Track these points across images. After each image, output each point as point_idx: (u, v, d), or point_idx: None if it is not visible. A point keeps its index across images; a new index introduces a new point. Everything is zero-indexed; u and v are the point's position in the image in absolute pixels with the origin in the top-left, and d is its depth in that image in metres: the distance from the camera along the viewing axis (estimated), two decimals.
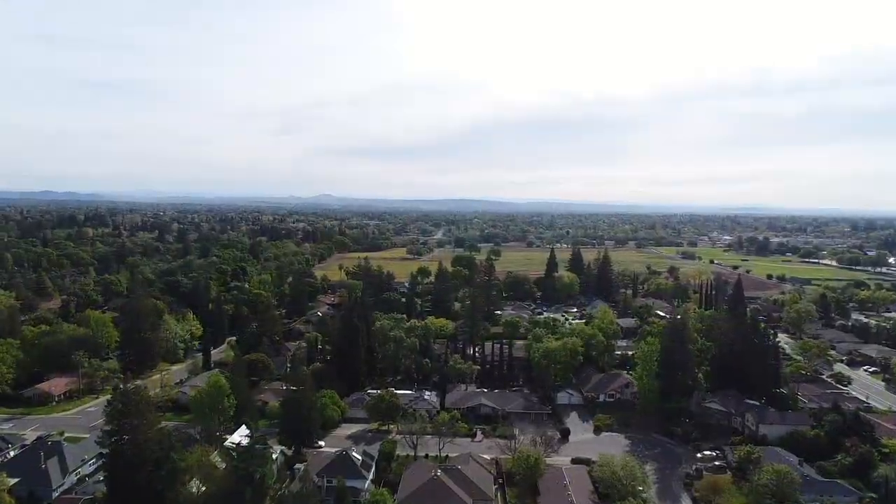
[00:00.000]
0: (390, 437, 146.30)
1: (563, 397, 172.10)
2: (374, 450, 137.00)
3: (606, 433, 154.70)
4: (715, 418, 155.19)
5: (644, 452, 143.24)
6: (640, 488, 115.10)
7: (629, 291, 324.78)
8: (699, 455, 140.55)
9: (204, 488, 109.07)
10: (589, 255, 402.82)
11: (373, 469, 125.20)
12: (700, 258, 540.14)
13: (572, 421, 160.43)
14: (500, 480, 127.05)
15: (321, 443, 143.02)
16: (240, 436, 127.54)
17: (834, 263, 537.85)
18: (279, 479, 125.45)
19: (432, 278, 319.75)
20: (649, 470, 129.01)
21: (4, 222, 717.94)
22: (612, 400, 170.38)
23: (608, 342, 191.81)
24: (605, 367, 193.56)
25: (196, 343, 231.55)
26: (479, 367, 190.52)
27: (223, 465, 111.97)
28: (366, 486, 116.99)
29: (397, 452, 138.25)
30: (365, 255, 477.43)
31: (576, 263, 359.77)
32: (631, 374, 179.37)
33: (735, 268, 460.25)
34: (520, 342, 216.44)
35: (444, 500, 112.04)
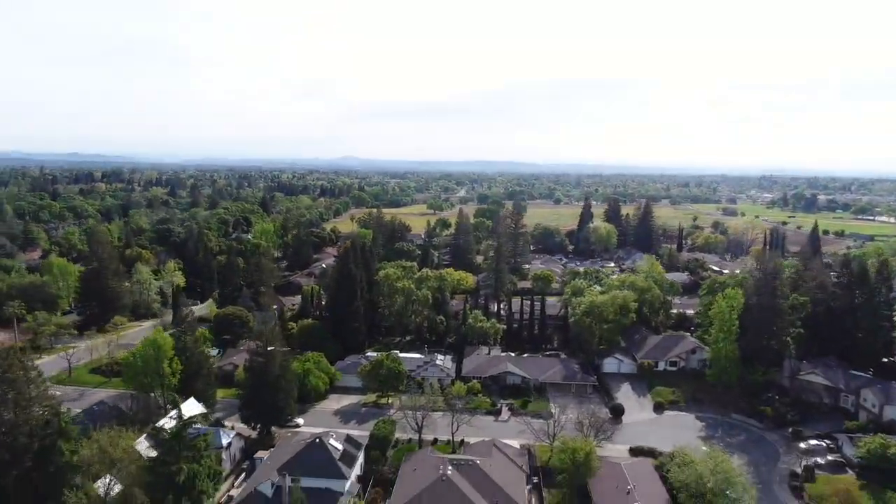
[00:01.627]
0: (389, 414, 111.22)
1: (610, 364, 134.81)
2: (366, 432, 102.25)
3: (670, 412, 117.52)
4: (816, 395, 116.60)
5: (725, 440, 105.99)
6: (739, 499, 78.21)
7: (673, 246, 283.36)
8: (803, 446, 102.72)
9: (117, 488, 75.64)
10: (623, 211, 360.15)
11: (359, 462, 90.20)
12: (743, 214, 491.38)
13: (624, 395, 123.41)
14: (535, 479, 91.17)
15: (299, 420, 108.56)
16: (183, 412, 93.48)
17: (892, 220, 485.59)
18: (233, 474, 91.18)
19: (453, 230, 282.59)
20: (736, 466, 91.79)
21: (21, 178, 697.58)
22: (673, 369, 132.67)
23: (665, 298, 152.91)
24: (660, 327, 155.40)
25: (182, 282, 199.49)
26: (504, 327, 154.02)
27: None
28: (346, 487, 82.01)
29: (397, 436, 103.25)
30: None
31: (613, 214, 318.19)
32: (696, 337, 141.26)
33: (784, 223, 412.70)
34: (552, 299, 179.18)
35: None
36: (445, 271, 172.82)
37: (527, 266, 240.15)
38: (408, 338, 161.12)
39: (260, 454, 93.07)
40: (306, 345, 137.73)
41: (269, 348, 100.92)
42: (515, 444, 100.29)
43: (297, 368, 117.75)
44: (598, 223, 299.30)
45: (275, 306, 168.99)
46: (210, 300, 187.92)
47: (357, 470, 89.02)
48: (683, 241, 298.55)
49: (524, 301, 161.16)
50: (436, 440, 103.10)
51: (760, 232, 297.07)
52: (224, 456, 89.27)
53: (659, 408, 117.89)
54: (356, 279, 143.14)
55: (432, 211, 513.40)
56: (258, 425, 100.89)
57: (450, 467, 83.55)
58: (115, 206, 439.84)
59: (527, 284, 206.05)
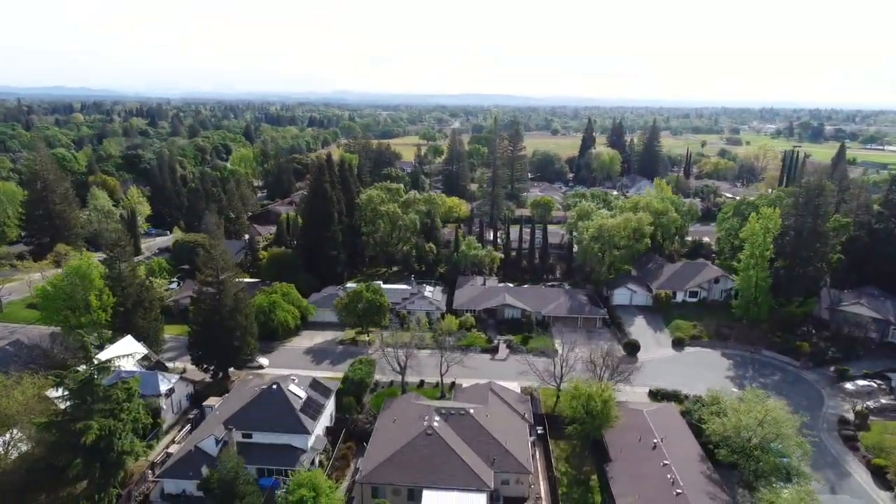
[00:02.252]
0: (368, 353, 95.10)
1: (621, 295, 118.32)
2: (341, 374, 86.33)
3: (691, 348, 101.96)
4: (860, 328, 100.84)
5: (757, 380, 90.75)
6: (790, 454, 62.97)
7: (680, 173, 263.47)
8: (850, 387, 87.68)
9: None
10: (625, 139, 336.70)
11: (328, 411, 74.27)
12: (748, 143, 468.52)
13: (638, 330, 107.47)
14: (539, 429, 75.76)
15: (262, 361, 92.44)
16: (118, 353, 76.74)
17: None
18: (178, 425, 75.48)
19: (445, 156, 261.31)
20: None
21: None
22: (693, 300, 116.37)
23: (683, 222, 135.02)
24: (674, 255, 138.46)
25: (145, 227, 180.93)
26: (501, 256, 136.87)
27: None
28: (308, 443, 66.20)
29: (377, 378, 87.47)
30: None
31: (616, 139, 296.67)
32: (717, 265, 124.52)
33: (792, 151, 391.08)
34: (554, 227, 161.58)
35: (442, 477, 61.25)
36: (436, 195, 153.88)
37: (525, 194, 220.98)
38: (394, 269, 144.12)
39: (211, 401, 77.06)
40: (277, 276, 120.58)
41: (221, 276, 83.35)
42: (515, 387, 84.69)
43: (261, 302, 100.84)
44: (601, 149, 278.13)
45: (246, 235, 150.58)
46: (176, 230, 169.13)
47: (325, 420, 73.25)
48: (691, 168, 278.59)
49: (523, 229, 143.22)
50: (422, 383, 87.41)
51: (773, 157, 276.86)
52: (163, 405, 73.11)
53: (678, 344, 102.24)
54: (332, 201, 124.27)
55: (425, 142, 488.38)
56: (211, 367, 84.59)
57: (437, 418, 67.83)
58: (90, 135, 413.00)
59: (525, 212, 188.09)
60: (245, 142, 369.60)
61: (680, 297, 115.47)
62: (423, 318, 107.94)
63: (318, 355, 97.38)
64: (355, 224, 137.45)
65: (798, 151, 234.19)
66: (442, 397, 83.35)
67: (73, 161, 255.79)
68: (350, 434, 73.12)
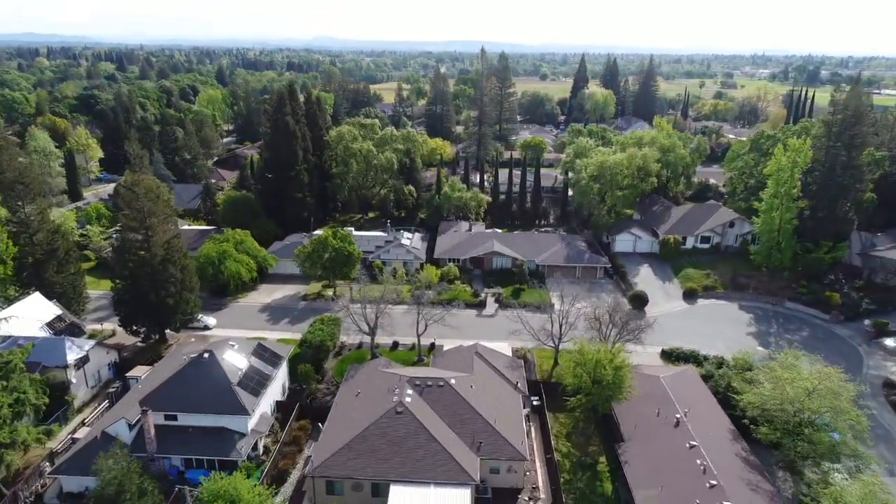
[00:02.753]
0: (334, 311, 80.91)
1: (624, 242, 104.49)
2: (298, 336, 72.45)
3: (705, 300, 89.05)
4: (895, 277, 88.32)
5: (783, 336, 78.41)
6: (842, 431, 50.55)
7: (678, 114, 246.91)
8: (890, 343, 75.54)
9: None
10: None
11: (279, 382, 60.53)
12: (744, 87, 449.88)
13: (644, 280, 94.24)
14: (535, 400, 62.80)
15: (208, 321, 78.16)
16: (17, 314, 62.42)
17: None
18: (95, 402, 61.67)
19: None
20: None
21: None
22: (705, 246, 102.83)
23: (691, 160, 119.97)
24: (679, 198, 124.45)
25: (98, 172, 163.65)
26: (489, 199, 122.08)
27: None
28: (248, 425, 52.54)
29: (343, 339, 73.78)
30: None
31: (610, 78, 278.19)
32: (731, 207, 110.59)
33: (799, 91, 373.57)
34: (545, 170, 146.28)
35: (415, 467, 48.21)
36: (417, 132, 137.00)
37: (514, 137, 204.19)
38: (370, 214, 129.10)
39: (137, 371, 63.09)
40: (234, 222, 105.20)
41: (148, 221, 68.06)
42: (506, 348, 71.36)
43: (208, 251, 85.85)
44: (594, 88, 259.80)
45: (205, 181, 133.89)
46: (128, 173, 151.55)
47: (275, 394, 59.70)
48: (688, 110, 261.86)
49: (513, 171, 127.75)
50: (396, 345, 73.90)
51: (774, 98, 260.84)
52: (72, 377, 58.92)
53: (690, 295, 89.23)
54: (296, 136, 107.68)
55: (408, 86, 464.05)
56: (141, 330, 70.22)
57: (409, 391, 54.47)
58: (52, 79, 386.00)
59: (515, 155, 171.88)
60: (217, 85, 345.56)
61: (690, 243, 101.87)
62: (399, 270, 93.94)
63: (276, 313, 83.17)
64: (325, 165, 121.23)
65: (804, 89, 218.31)
66: (419, 362, 70.04)
67: (23, 103, 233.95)
68: (306, 410, 59.77)
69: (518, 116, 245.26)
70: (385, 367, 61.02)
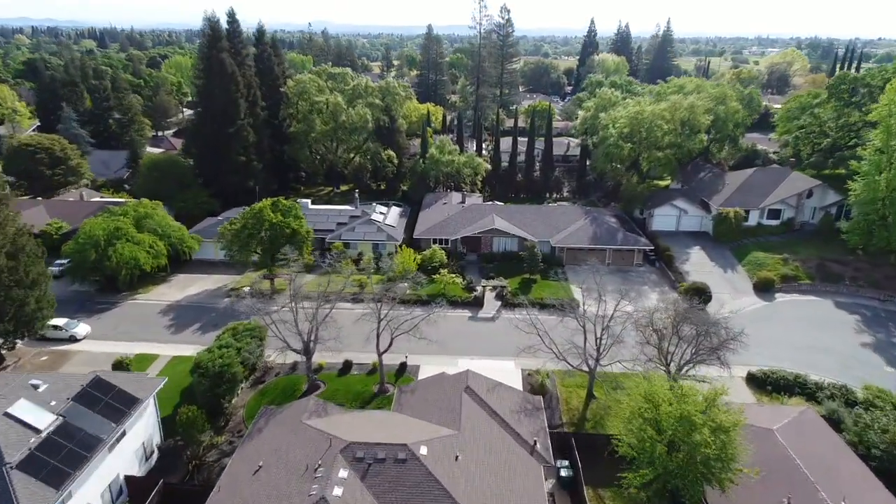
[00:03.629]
0: (271, 311, 55.43)
1: (664, 218, 79.00)
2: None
3: (785, 294, 63.87)
4: None
5: None
6: None
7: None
8: None
9: None
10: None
11: (130, 445, 35.24)
12: (757, 63, 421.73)
13: (698, 267, 68.87)
14: (564, 468, 37.74)
15: (77, 329, 52.83)
16: None
17: None
18: None
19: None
20: None
21: None
22: (773, 223, 77.17)
23: (745, 115, 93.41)
24: (724, 165, 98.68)
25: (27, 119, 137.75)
26: (488, 166, 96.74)
27: None
28: None
29: (270, 357, 48.53)
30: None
31: (622, 44, 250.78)
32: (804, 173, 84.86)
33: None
34: (555, 139, 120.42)
35: None
36: (399, 83, 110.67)
37: (515, 106, 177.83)
38: (342, 188, 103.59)
39: None
40: (157, 192, 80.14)
41: None
42: (513, 370, 46.59)
43: (92, 229, 60.48)
44: (605, 55, 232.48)
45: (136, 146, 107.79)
46: None
47: (122, 466, 34.63)
48: (709, 77, 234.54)
49: (517, 140, 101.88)
50: (349, 366, 48.84)
51: (802, 66, 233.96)
52: None
53: (765, 288, 64.03)
54: (236, 81, 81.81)
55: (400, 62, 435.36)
56: None
57: (343, 471, 29.46)
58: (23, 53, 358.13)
59: (519, 124, 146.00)
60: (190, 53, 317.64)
61: (753, 218, 76.35)
62: (368, 253, 68.86)
63: (184, 316, 57.86)
64: (282, 123, 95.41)
65: (852, 43, 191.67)
66: (379, 394, 45.13)
67: None
68: (181, 489, 34.77)
69: (521, 88, 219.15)
70: (313, 416, 35.99)
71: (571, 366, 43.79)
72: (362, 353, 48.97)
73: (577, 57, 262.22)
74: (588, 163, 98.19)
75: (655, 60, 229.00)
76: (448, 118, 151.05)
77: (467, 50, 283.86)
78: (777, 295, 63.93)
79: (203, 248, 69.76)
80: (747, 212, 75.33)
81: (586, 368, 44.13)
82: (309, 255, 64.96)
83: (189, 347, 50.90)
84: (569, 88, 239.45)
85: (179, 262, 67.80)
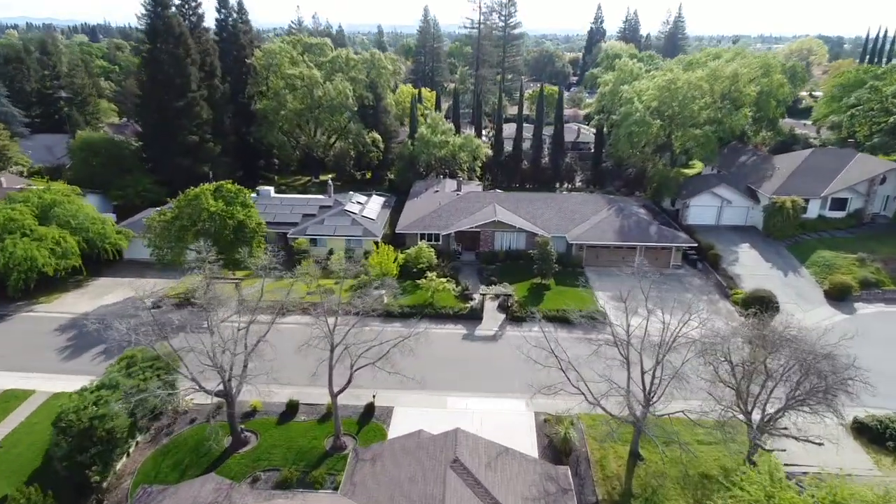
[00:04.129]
0: (203, 328, 41.53)
1: (702, 209, 64.95)
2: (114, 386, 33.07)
3: (867, 305, 49.81)
4: None
5: None
6: None
7: None
8: None
9: None
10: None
11: None
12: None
13: (750, 269, 54.91)
14: None
15: None
16: None
17: None
18: None
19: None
20: None
21: None
22: (838, 215, 62.94)
23: (790, 90, 79.17)
24: (760, 149, 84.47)
25: None
26: (490, 152, 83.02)
27: None
28: None
29: (186, 394, 34.47)
30: None
31: (630, 33, 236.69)
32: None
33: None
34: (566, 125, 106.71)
35: None
36: (386, 56, 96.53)
37: (518, 93, 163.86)
38: (322, 176, 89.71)
39: None
40: (93, 179, 66.75)
41: None
42: (522, 411, 32.77)
43: None
44: (613, 42, 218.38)
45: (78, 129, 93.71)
46: None
47: None
48: None
49: (523, 126, 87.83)
50: (293, 409, 34.86)
51: (822, 53, 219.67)
52: None
53: (840, 296, 50.07)
54: (186, 45, 67.84)
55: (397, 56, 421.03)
56: None
57: None
58: None
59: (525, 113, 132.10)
60: None
61: (813, 209, 62.30)
62: (338, 251, 55.16)
63: (87, 335, 43.66)
64: (249, 101, 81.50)
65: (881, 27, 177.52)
66: (332, 453, 31.25)
67: None
68: None
69: (524, 78, 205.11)
70: None
71: (610, 414, 29.93)
72: (314, 387, 35.23)
73: (581, 52, 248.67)
74: (604, 149, 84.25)
75: (666, 49, 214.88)
76: (444, 107, 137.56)
77: (466, 38, 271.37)
78: (857, 305, 49.97)
79: (137, 245, 55.90)
80: (806, 201, 61.27)
81: (630, 416, 30.29)
82: (261, 252, 51.24)
83: (81, 380, 36.99)
84: (574, 79, 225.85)
85: (106, 262, 53.98)
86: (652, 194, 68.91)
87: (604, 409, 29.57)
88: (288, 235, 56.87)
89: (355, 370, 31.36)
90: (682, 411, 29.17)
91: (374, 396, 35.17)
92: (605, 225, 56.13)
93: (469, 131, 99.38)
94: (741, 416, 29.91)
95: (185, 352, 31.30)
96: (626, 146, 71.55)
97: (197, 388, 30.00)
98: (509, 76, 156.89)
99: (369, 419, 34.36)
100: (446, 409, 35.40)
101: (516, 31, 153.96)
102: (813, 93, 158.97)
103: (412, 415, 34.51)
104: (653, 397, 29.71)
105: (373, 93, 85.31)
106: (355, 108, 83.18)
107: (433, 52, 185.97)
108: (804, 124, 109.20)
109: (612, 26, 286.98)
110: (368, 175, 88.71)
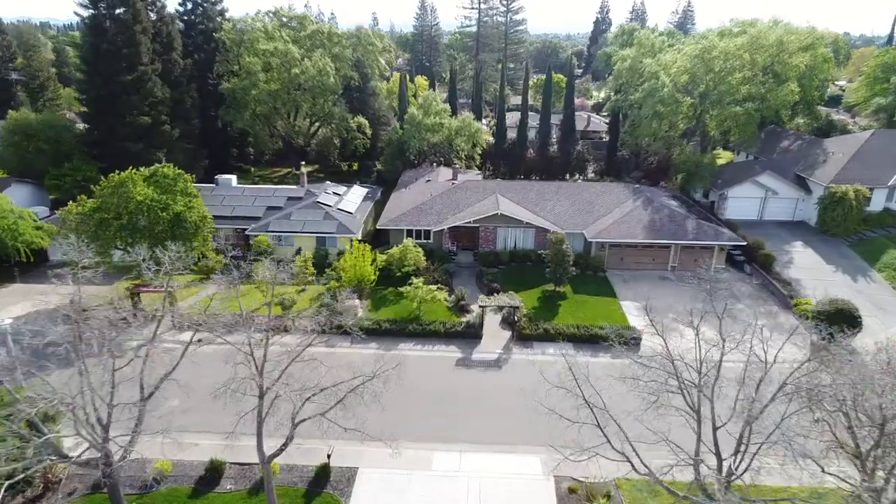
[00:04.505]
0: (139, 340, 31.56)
1: (743, 202, 54.77)
2: None
3: None
4: None
5: None
6: None
7: None
8: None
9: None
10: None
11: None
12: None
13: (810, 273, 44.87)
14: None
15: None
16: None
17: None
18: None
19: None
20: None
21: None
22: None
23: (831, 67, 68.79)
24: (803, 127, 74.12)
25: None
26: (491, 139, 73.20)
27: None
28: None
29: (70, 451, 24.31)
30: None
31: (638, 22, 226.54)
32: None
33: None
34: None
35: None
36: (373, 32, 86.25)
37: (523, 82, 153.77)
38: (304, 168, 79.30)
39: None
40: (24, 165, 56.96)
41: None
42: (536, 475, 22.40)
43: None
44: (611, 48, 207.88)
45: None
46: None
47: None
48: None
49: (527, 114, 77.86)
50: (216, 472, 24.47)
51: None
52: None
53: None
54: (136, 13, 57.77)
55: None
56: None
57: None
58: None
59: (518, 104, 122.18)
60: None
61: (878, 201, 52.14)
62: (306, 252, 45.13)
63: None
64: (219, 81, 71.42)
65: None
66: None
67: None
68: None
69: (528, 60, 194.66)
70: None
71: (671, 492, 19.90)
72: (249, 435, 25.07)
73: (586, 46, 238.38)
74: (620, 135, 74.10)
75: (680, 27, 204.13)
76: (442, 95, 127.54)
77: (466, 33, 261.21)
78: None
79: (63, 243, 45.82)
80: (871, 191, 51.13)
81: (700, 496, 20.21)
82: (206, 251, 41.45)
83: None
84: (579, 71, 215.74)
85: (22, 265, 44.04)
86: (681, 185, 58.74)
87: (667, 488, 19.58)
88: (247, 232, 46.80)
89: (298, 424, 21.34)
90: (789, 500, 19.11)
91: (328, 455, 25.06)
92: (631, 219, 45.93)
93: (467, 114, 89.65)
94: (865, 495, 19.95)
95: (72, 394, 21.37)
96: (648, 129, 61.28)
97: (52, 454, 20.00)
98: (511, 65, 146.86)
99: (322, 487, 24.31)
100: (431, 471, 25.35)
101: (519, 17, 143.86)
102: (835, 81, 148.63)
103: (383, 480, 24.53)
104: (736, 469, 19.77)
105: (359, 72, 75.18)
106: (339, 90, 73.05)
107: (431, 42, 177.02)
108: (837, 110, 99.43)
109: (618, 18, 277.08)
110: (356, 166, 78.67)
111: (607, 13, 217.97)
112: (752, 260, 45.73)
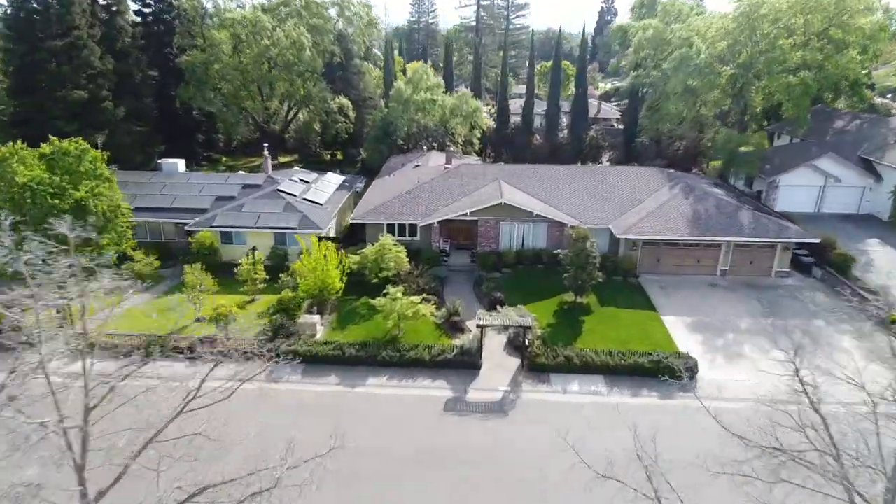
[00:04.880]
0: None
1: (797, 190, 45.34)
2: None
3: None
4: None
5: None
6: None
7: None
8: None
9: None
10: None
11: None
12: None
13: (893, 277, 35.53)
14: None
15: None
16: None
17: None
18: None
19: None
20: None
21: None
22: None
23: (888, 28, 59.67)
24: (856, 104, 64.58)
25: None
26: (492, 123, 63.89)
27: None
28: None
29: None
30: None
31: (647, 12, 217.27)
32: None
33: None
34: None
35: None
36: (362, 3, 76.60)
37: (523, 73, 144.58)
38: (282, 157, 70.12)
39: None
40: None
41: None
42: None
43: None
44: (627, 21, 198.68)
45: None
46: None
47: None
48: None
49: (531, 102, 68.58)
50: None
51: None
52: None
53: None
54: None
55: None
56: None
57: None
58: None
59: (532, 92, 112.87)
60: None
61: None
62: (260, 254, 35.33)
63: None
64: (181, 53, 61.95)
65: None
66: None
67: None
68: None
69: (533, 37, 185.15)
70: None
71: None
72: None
73: (599, 9, 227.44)
74: (639, 117, 64.69)
75: None
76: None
77: (465, 26, 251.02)
78: None
79: None
80: None
81: None
82: (124, 250, 32.09)
83: None
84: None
85: None
86: (720, 170, 49.19)
87: None
88: (186, 228, 37.31)
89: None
90: None
91: None
92: (670, 210, 36.39)
93: (465, 90, 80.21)
94: None
95: None
96: (679, 107, 51.62)
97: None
98: (513, 52, 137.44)
99: None
100: None
101: (521, 1, 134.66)
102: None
103: None
104: None
105: (341, 47, 65.67)
106: (320, 68, 63.47)
107: (428, 30, 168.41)
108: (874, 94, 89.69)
109: (623, 6, 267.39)
110: (339, 155, 69.35)
111: (612, 2, 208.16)
112: (824, 262, 36.18)
